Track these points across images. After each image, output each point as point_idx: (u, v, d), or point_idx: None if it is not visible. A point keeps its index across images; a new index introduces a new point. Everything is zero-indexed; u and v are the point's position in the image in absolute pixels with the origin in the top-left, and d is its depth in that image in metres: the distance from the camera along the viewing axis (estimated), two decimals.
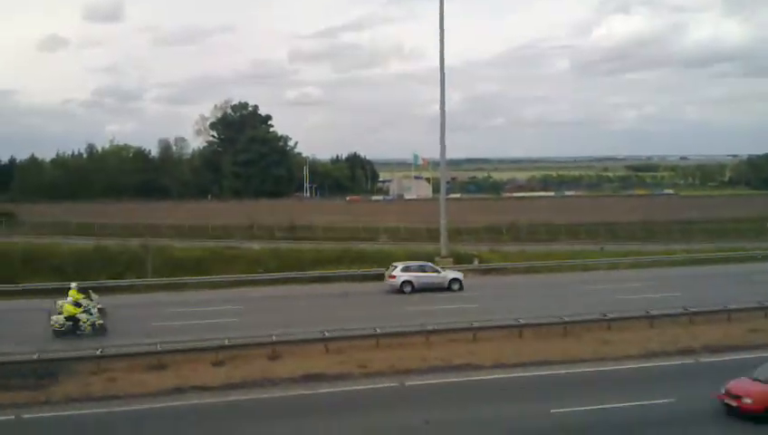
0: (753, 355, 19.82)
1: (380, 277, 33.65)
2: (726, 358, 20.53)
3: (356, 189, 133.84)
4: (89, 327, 23.25)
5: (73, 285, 25.38)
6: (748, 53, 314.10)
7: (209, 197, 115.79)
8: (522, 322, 23.43)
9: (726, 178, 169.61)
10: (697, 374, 19.05)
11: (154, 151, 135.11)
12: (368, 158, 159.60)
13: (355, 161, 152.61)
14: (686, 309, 24.96)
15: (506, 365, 20.01)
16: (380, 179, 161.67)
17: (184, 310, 27.61)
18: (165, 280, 33.37)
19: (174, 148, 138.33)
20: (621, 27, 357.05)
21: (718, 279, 33.96)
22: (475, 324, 23.05)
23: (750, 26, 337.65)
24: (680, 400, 16.46)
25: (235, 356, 20.61)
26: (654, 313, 24.51)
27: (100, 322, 23.60)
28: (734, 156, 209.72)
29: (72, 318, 23.24)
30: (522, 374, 19.25)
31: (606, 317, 24.10)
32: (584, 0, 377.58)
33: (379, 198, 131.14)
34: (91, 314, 23.58)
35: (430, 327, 22.63)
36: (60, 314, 23.48)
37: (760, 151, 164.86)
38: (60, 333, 23.04)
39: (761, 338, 22.43)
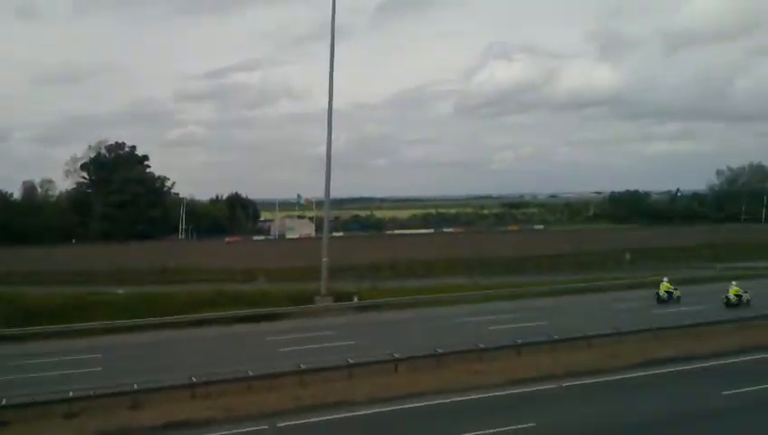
0: (611, 378, 21.78)
1: (255, 319, 32.85)
2: (587, 381, 21.68)
3: (236, 230, 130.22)
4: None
5: (665, 279, 38.22)
6: (615, 98, 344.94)
7: (73, 240, 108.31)
8: (397, 356, 23.47)
9: (591, 214, 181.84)
10: (560, 398, 19.92)
11: (17, 194, 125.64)
12: (250, 198, 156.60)
13: (235, 201, 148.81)
14: (549, 337, 26.17)
15: (381, 400, 19.89)
16: (262, 219, 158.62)
17: (34, 362, 25.15)
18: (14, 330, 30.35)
19: (39, 190, 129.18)
20: (502, 72, 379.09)
21: (580, 308, 35.96)
22: (351, 361, 22.82)
23: (619, 72, 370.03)
24: (540, 424, 17.32)
25: (91, 407, 18.97)
26: (520, 342, 25.48)
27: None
28: (599, 193, 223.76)
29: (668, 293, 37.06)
30: (395, 408, 19.20)
31: (477, 348, 24.73)
32: (470, 46, 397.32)
33: (261, 238, 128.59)
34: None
35: (303, 366, 22.11)
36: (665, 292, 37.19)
37: (621, 188, 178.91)
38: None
39: (619, 362, 23.79)
